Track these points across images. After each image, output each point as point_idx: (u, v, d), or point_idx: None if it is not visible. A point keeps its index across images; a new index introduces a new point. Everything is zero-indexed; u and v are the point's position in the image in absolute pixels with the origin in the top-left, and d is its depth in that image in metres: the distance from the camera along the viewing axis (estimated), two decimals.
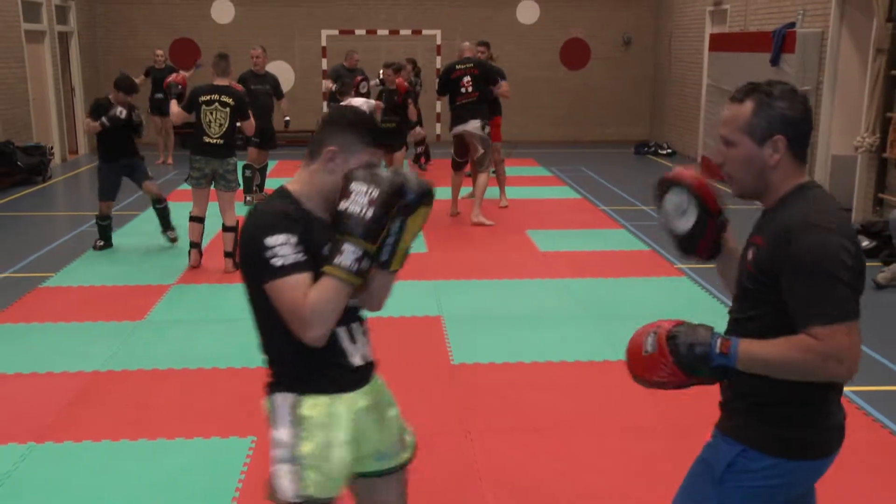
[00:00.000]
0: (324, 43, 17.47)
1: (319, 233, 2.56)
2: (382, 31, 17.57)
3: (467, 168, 10.94)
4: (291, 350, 2.58)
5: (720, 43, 13.50)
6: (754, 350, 2.34)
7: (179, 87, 8.57)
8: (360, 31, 17.45)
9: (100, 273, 8.24)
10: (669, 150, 16.66)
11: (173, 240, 9.09)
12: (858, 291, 2.34)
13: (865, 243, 8.83)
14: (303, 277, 2.46)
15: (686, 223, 2.71)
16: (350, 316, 2.66)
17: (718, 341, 2.37)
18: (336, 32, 17.46)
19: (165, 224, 9.15)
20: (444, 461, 4.59)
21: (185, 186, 8.96)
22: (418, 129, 13.98)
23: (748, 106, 2.43)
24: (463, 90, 10.20)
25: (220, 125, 8.11)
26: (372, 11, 17.70)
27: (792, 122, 2.42)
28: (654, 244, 9.29)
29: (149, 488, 4.31)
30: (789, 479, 2.49)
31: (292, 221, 2.52)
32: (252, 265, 2.53)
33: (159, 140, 15.10)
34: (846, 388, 5.38)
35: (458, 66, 10.37)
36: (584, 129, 18.34)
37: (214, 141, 8.12)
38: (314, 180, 2.62)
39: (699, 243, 2.74)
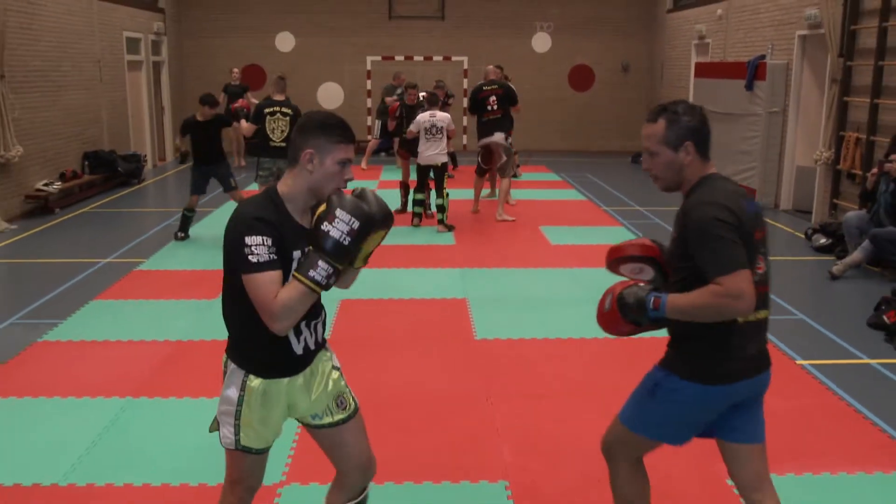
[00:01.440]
0: (368, 67, 17.50)
1: (292, 236, 2.53)
2: (418, 57, 17.57)
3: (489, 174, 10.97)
4: (248, 333, 2.60)
5: (703, 70, 13.39)
6: (677, 303, 2.58)
7: (244, 110, 8.87)
8: (399, 57, 17.46)
9: (182, 259, 8.35)
10: None
11: None
12: (745, 243, 2.53)
13: (822, 241, 8.80)
14: (274, 275, 2.43)
15: (647, 275, 2.93)
16: (307, 314, 2.61)
17: (652, 299, 2.65)
18: (379, 58, 17.49)
19: None
20: (467, 422, 4.63)
21: (254, 186, 9.06)
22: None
23: (661, 124, 2.69)
24: (489, 108, 10.19)
25: (282, 131, 8.35)
26: (409, 41, 17.69)
27: (696, 130, 2.68)
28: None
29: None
30: (700, 399, 2.70)
31: (268, 224, 2.46)
32: (233, 256, 2.47)
33: (233, 146, 15.22)
34: (804, 362, 5.44)
35: (484, 88, 10.33)
36: (589, 141, 18.26)
37: (278, 144, 8.35)
38: (297, 182, 2.56)
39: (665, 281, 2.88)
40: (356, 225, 2.42)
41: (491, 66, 10.91)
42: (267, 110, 8.44)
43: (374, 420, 4.56)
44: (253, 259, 2.41)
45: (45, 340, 5.90)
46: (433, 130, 9.56)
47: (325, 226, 2.41)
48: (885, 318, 6.14)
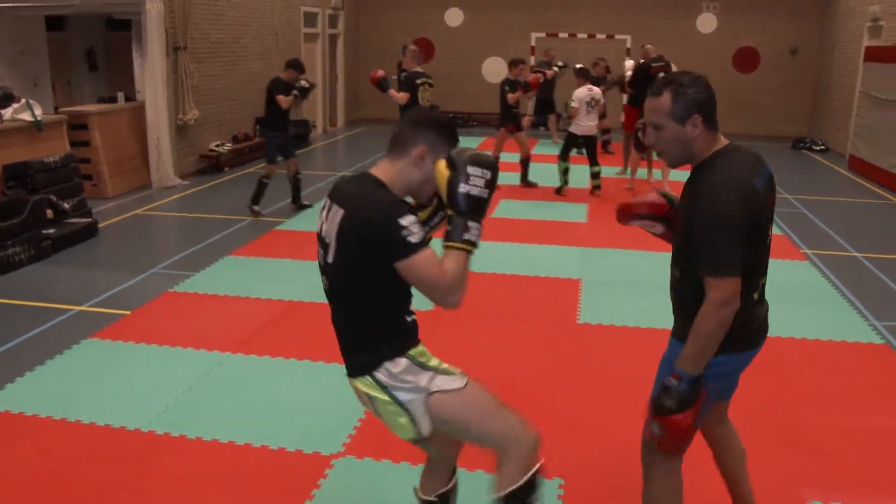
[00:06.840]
0: (532, 43, 16.96)
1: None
2: (582, 35, 16.85)
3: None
4: (391, 323, 2.43)
5: (875, 55, 11.98)
6: (688, 355, 2.39)
7: (386, 80, 8.80)
8: (563, 35, 16.81)
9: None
10: (823, 147, 15.07)
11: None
12: (747, 244, 2.34)
13: None
14: (432, 251, 2.29)
15: (658, 229, 2.85)
16: None
17: (668, 380, 2.44)
18: (543, 35, 16.90)
19: (298, 196, 8.82)
20: (541, 410, 4.22)
21: None
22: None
23: (667, 97, 2.43)
24: None
25: (428, 100, 8.48)
26: (573, 18, 17.01)
27: (703, 102, 2.44)
28: (787, 229, 8.41)
29: (303, 401, 4.26)
30: (725, 369, 2.55)
31: (409, 205, 2.35)
32: (382, 244, 2.24)
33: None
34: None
35: (654, 65, 10.36)
36: (750, 125, 16.90)
37: None
38: (403, 174, 2.39)
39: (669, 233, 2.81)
40: (489, 175, 2.34)
41: (650, 46, 10.72)
42: (418, 81, 8.56)
43: None
44: (414, 239, 2.24)
45: (174, 291, 6.01)
46: (592, 103, 9.82)
47: (463, 187, 2.31)
48: None
